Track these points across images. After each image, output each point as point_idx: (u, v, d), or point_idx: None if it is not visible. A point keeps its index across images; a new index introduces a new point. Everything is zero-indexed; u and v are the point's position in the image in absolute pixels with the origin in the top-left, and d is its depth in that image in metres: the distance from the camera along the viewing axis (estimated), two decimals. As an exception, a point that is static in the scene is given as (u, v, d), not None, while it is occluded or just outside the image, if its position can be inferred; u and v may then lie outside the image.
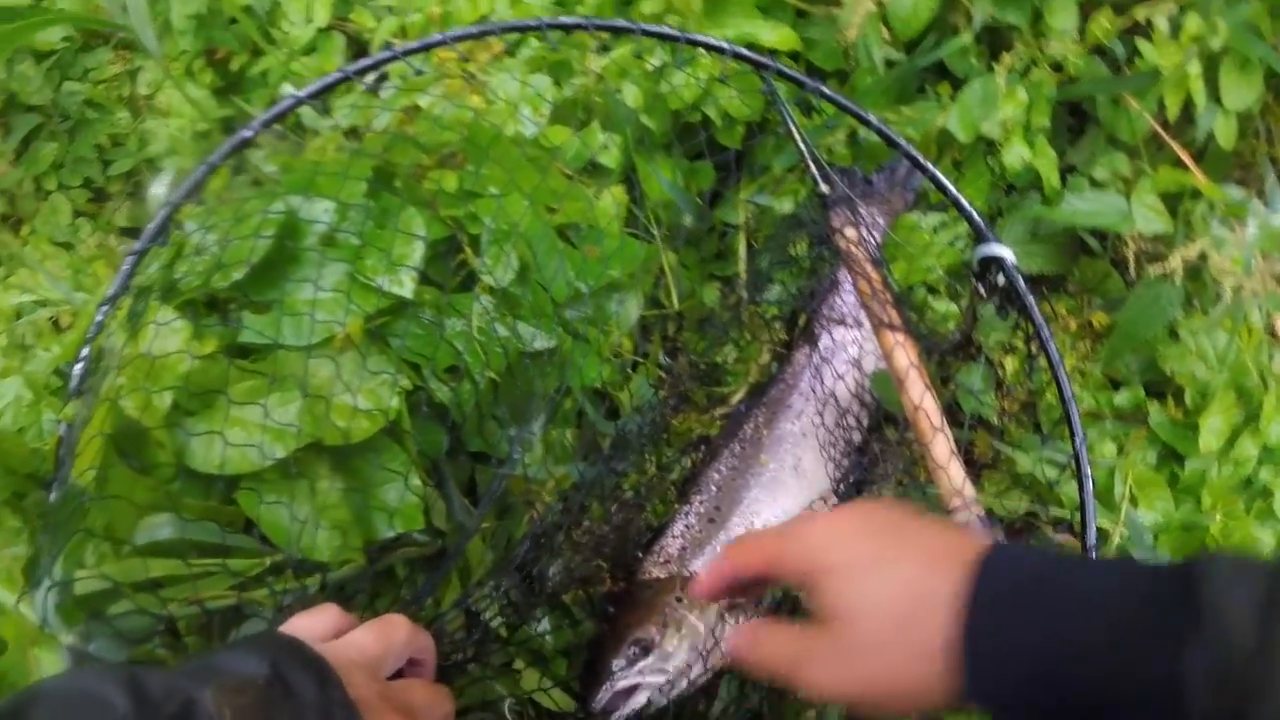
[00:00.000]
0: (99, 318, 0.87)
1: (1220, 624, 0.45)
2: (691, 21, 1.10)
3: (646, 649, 0.88)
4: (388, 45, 1.35)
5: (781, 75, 0.96)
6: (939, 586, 0.54)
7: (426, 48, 0.92)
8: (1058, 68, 1.09)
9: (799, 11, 1.13)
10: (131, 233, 1.46)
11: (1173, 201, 1.06)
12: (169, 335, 0.80)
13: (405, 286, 0.85)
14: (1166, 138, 1.09)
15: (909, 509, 0.62)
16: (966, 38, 1.11)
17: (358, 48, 1.47)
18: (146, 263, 0.87)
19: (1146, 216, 1.04)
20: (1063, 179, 1.12)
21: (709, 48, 0.94)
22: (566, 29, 0.93)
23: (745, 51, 0.95)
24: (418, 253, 0.86)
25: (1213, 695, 0.44)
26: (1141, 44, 1.07)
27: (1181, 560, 0.50)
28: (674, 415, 1.02)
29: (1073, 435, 0.82)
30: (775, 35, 1.11)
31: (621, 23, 0.93)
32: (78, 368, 0.87)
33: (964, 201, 0.92)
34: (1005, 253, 0.89)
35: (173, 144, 1.42)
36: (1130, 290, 1.05)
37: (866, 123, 0.95)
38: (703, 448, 1.03)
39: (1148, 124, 1.09)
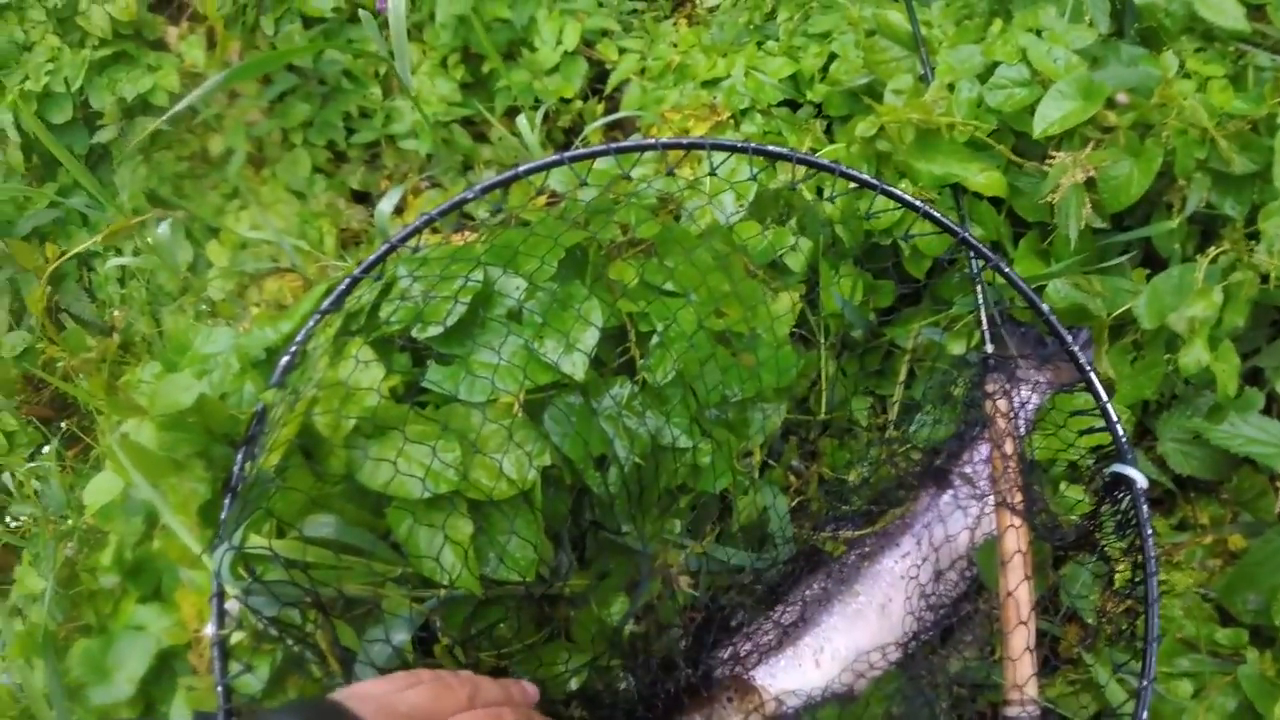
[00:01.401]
0: (310, 324, 1.08)
1: None
2: (901, 152, 1.19)
3: None
4: (608, 122, 1.50)
5: (966, 244, 1.05)
6: None
7: (636, 149, 1.07)
8: (1265, 278, 1.12)
9: (1011, 160, 1.20)
10: (361, 197, 1.69)
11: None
12: (364, 370, 0.99)
13: (578, 369, 1.00)
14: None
15: None
16: (1176, 222, 1.16)
17: (599, 73, 1.64)
18: (359, 292, 1.07)
19: (1313, 454, 1.08)
20: (1247, 380, 1.16)
21: (902, 202, 1.04)
22: (770, 156, 1.05)
23: (936, 214, 1.04)
24: (592, 339, 1.02)
25: None
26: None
27: None
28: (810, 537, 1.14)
29: (1143, 672, 0.90)
30: (984, 179, 1.19)
31: (823, 162, 1.04)
32: (284, 359, 1.08)
33: (1112, 413, 0.99)
34: (1139, 478, 0.96)
35: (415, 127, 1.63)
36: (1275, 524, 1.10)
37: (1037, 310, 1.03)
38: (806, 558, 1.15)
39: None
